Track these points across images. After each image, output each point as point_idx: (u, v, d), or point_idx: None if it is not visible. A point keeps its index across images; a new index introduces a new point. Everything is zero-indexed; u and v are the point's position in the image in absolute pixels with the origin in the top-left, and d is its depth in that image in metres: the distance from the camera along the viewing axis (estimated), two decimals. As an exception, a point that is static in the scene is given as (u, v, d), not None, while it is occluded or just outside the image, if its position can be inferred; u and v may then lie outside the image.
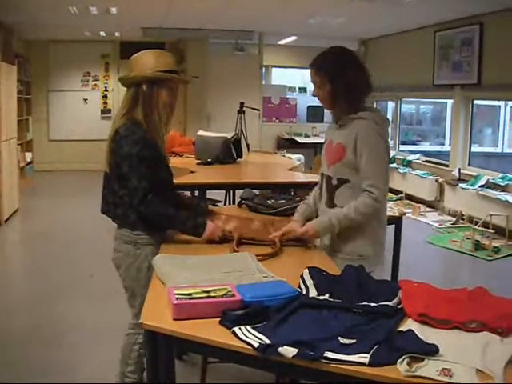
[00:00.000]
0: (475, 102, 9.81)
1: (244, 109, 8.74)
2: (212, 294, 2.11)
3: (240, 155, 6.58)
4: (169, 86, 3.07)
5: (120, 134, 2.96)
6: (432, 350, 1.75)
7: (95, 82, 13.45)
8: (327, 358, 1.75)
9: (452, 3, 8.16)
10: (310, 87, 14.03)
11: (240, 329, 1.93)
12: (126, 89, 3.13)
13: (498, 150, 13.49)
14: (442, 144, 13.38)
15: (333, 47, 3.08)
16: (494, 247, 7.28)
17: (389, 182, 3.01)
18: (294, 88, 14.37)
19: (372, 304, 2.11)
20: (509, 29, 8.34)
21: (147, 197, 2.91)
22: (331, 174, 3.06)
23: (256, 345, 1.83)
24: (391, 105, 12.43)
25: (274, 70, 14.52)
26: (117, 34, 12.13)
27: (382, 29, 11.22)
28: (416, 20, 9.89)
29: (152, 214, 2.97)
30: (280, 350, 1.78)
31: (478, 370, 1.67)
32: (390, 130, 3.22)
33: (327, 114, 13.07)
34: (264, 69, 13.39)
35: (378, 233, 3.10)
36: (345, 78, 2.93)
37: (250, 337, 1.88)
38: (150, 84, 3.00)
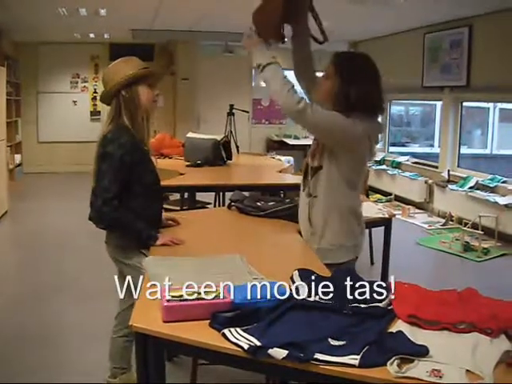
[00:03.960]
0: (464, 103, 9.85)
1: (233, 111, 8.75)
2: (202, 296, 2.11)
3: (229, 157, 6.58)
4: (146, 82, 3.10)
5: (107, 138, 2.99)
6: (422, 351, 1.76)
7: (84, 84, 13.41)
8: (317, 360, 1.76)
9: (441, 5, 8.18)
10: (300, 89, 14.05)
11: (230, 331, 1.93)
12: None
13: (487, 151, 13.55)
14: (432, 145, 13.42)
15: (362, 54, 3.10)
16: (484, 248, 7.30)
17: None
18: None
19: (362, 305, 2.11)
20: (498, 31, 8.38)
21: (113, 201, 2.94)
22: (312, 164, 3.10)
23: (246, 347, 1.83)
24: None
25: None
26: (106, 35, 12.10)
27: (372, 31, 11.24)
28: (405, 22, 9.91)
29: (111, 218, 3.03)
30: (270, 351, 1.78)
31: (467, 370, 1.68)
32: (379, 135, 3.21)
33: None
34: (254, 70, 13.37)
35: (349, 224, 3.10)
36: (355, 87, 2.91)
37: (240, 339, 1.88)
38: (127, 87, 3.02)
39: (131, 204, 3.05)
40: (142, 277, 3.00)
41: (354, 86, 2.90)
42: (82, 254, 6.48)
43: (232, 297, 2.11)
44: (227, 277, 2.38)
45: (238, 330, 1.94)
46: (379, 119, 3.19)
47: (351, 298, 2.16)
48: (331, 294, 2.18)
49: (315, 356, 1.76)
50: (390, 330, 1.94)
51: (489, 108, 13.35)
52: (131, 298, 3.23)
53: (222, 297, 2.12)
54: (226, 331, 1.93)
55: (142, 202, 3.08)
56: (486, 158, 12.93)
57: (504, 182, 8.42)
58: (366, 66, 3.04)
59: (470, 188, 8.68)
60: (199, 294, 2.12)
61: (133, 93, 3.05)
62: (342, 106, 2.94)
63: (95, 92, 13.30)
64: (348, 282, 2.31)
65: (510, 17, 8.12)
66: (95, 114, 13.24)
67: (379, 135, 3.17)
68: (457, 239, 7.60)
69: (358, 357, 1.75)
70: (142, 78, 3.09)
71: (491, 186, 8.47)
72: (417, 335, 1.89)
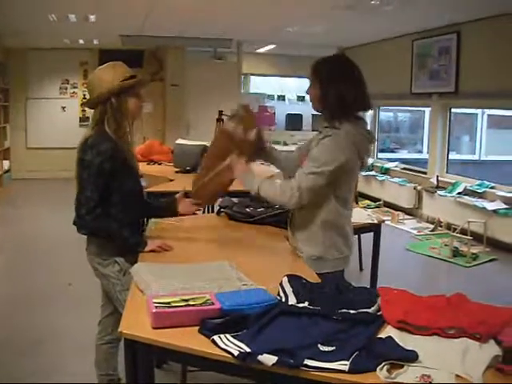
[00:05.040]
0: (453, 110, 9.90)
1: (223, 117, 8.75)
2: (191, 303, 2.10)
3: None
4: (134, 92, 3.11)
5: (87, 143, 2.99)
6: (411, 357, 1.76)
7: (74, 90, 13.39)
8: (307, 366, 1.76)
9: (430, 12, 8.22)
10: (289, 95, 14.10)
11: (219, 337, 1.93)
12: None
13: (476, 157, 13.63)
14: (420, 151, 13.49)
15: (338, 55, 3.12)
16: (472, 254, 7.33)
17: (318, 189, 2.94)
18: (273, 96, 14.40)
19: (351, 311, 2.11)
20: (486, 37, 8.44)
21: (96, 209, 2.94)
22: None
23: (236, 353, 1.83)
24: (369, 112, 12.48)
25: (252, 78, 14.53)
26: (95, 41, 12.09)
27: (361, 37, 11.28)
28: (394, 29, 9.96)
29: (95, 227, 3.03)
30: (260, 357, 1.78)
31: (457, 375, 1.69)
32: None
33: (306, 122, 13.13)
34: (243, 77, 13.39)
35: (331, 237, 3.07)
36: (334, 88, 2.95)
37: (230, 345, 1.88)
38: (117, 96, 3.02)
39: (111, 210, 3.05)
40: (117, 286, 3.05)
41: (332, 85, 2.96)
42: (70, 260, 6.43)
43: (221, 303, 2.11)
44: (216, 283, 2.38)
45: (228, 336, 1.93)
46: (368, 127, 3.19)
47: (340, 303, 2.16)
48: (320, 300, 2.19)
49: (305, 362, 1.76)
50: (379, 336, 1.94)
51: (477, 114, 13.43)
52: (111, 304, 3.25)
53: (210, 303, 2.11)
54: (215, 337, 1.93)
55: (121, 208, 3.07)
56: (474, 163, 13.01)
57: (492, 188, 8.47)
58: (342, 66, 3.09)
59: (459, 194, 8.72)
60: (188, 300, 2.12)
61: (122, 101, 3.04)
62: (332, 111, 2.98)
63: (84, 98, 13.24)
64: (337, 288, 2.32)
65: (497, 23, 8.18)
66: (84, 120, 13.18)
67: (370, 146, 3.16)
68: (446, 245, 7.62)
69: (348, 362, 1.75)
70: (132, 88, 3.10)
71: (479, 191, 8.51)
72: (406, 340, 1.89)
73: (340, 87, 2.95)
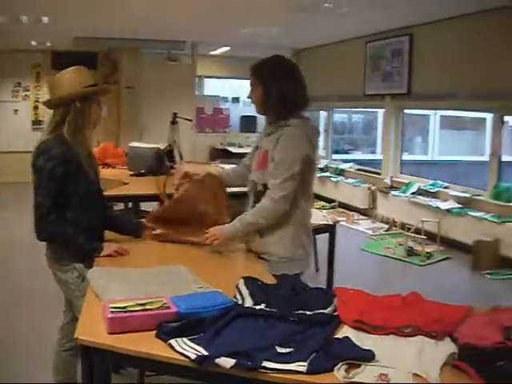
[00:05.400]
0: (405, 111, 10.03)
1: (177, 119, 8.70)
2: (147, 307, 2.08)
3: (173, 166, 6.54)
4: (97, 99, 3.09)
5: (40, 148, 2.95)
6: (368, 356, 1.77)
7: (26, 93, 13.16)
8: (265, 368, 1.75)
9: (383, 15, 8.32)
10: (243, 97, 14.10)
11: (176, 341, 1.91)
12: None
13: (429, 157, 13.82)
14: (374, 152, 13.62)
15: (275, 55, 3.15)
16: (427, 253, 7.43)
17: (293, 188, 2.98)
18: (227, 98, 14.39)
19: (308, 312, 2.12)
20: (437, 40, 8.58)
21: (49, 215, 2.92)
22: (257, 179, 3.13)
23: (193, 356, 1.82)
24: (323, 114, 12.58)
25: (206, 80, 14.50)
26: (48, 43, 11.92)
27: (315, 39, 11.34)
28: (348, 31, 10.04)
29: (49, 232, 2.99)
30: (217, 360, 1.77)
31: (414, 373, 1.70)
32: (321, 140, 3.26)
33: (260, 124, 13.14)
34: (197, 79, 13.35)
35: (300, 237, 3.12)
36: (277, 86, 2.99)
37: (187, 348, 1.87)
38: (82, 100, 2.99)
39: (68, 215, 3.01)
40: (76, 292, 3.02)
41: (274, 85, 2.99)
42: (31, 266, 6.33)
43: (177, 307, 2.10)
44: (172, 287, 2.36)
45: (185, 339, 1.92)
46: (312, 124, 3.24)
47: (297, 305, 2.16)
48: (277, 302, 2.19)
49: (263, 364, 1.76)
50: (336, 336, 1.95)
51: (429, 115, 13.62)
52: (72, 311, 3.21)
53: (167, 307, 2.10)
54: (172, 341, 1.91)
55: (79, 212, 3.04)
56: (427, 164, 13.17)
57: (445, 188, 8.61)
58: (282, 65, 3.13)
59: (413, 194, 8.83)
60: (144, 304, 2.10)
61: (86, 106, 3.02)
62: (277, 110, 3.02)
63: (37, 101, 13.06)
64: (294, 290, 2.33)
65: (448, 26, 8.33)
66: (37, 123, 12.98)
67: (318, 140, 3.20)
68: (400, 244, 7.71)
69: (306, 363, 1.75)
70: (97, 94, 3.09)
71: (433, 191, 8.64)
72: (363, 340, 1.90)
73: (282, 86, 2.99)
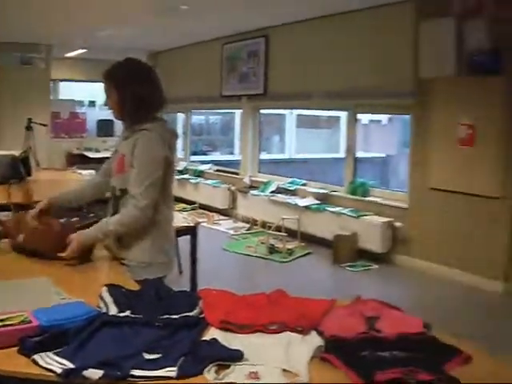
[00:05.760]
0: (262, 111, 10.19)
1: (32, 125, 8.41)
2: (7, 322, 1.96)
3: (29, 173, 6.30)
4: None
5: None
6: (237, 356, 1.76)
7: None
8: (134, 376, 1.70)
9: (239, 16, 8.42)
10: (100, 101, 13.81)
11: (40, 356, 1.81)
12: None
13: (286, 156, 14.11)
14: (232, 153, 13.75)
15: (128, 58, 3.08)
16: (288, 249, 7.59)
17: (157, 193, 2.92)
18: (83, 102, 14.04)
19: (174, 316, 2.08)
20: (291, 41, 8.82)
21: None
22: (115, 184, 3.06)
23: (59, 370, 1.73)
24: (181, 116, 12.55)
25: (62, 84, 14.04)
26: None
27: (172, 41, 11.31)
28: (205, 33, 10.08)
29: None
30: (85, 373, 1.70)
31: (283, 369, 1.71)
32: (179, 142, 3.23)
33: (118, 128, 12.93)
34: (52, 83, 12.90)
35: (160, 240, 3.08)
36: (131, 89, 2.92)
37: (52, 363, 1.77)
38: None
39: None
40: None
41: (128, 89, 2.93)
42: None
43: (39, 320, 1.99)
44: (33, 300, 2.25)
45: (49, 353, 1.82)
46: (169, 126, 3.20)
47: (162, 309, 2.13)
48: (141, 308, 2.14)
49: (131, 372, 1.70)
50: (204, 338, 1.93)
51: (286, 114, 13.93)
52: None
53: (28, 321, 1.99)
54: (36, 357, 1.81)
55: None
56: (284, 162, 13.44)
57: (303, 185, 8.84)
58: (136, 68, 3.07)
59: (272, 192, 9.01)
60: (3, 320, 1.98)
61: None
62: (133, 113, 2.96)
63: None
64: (157, 294, 2.28)
65: (301, 28, 8.57)
66: None
67: (176, 142, 3.18)
68: (262, 242, 7.82)
69: (175, 368, 1.71)
70: None
71: (291, 189, 8.85)
72: (231, 340, 1.89)
73: (137, 90, 2.93)
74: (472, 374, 1.74)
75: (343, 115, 9.87)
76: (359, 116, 8.46)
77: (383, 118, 13.46)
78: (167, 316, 2.08)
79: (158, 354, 1.82)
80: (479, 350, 1.90)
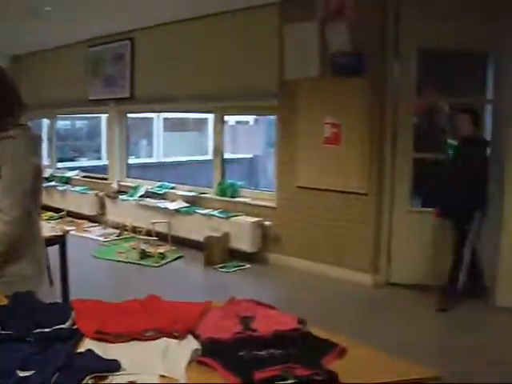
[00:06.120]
0: (129, 115, 10.08)
1: None
2: None
3: None
4: None
5: None
6: (114, 366, 1.74)
7: None
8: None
9: (103, 19, 8.28)
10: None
11: None
12: None
13: (154, 159, 14.04)
14: (100, 158, 13.50)
15: None
16: (160, 253, 7.55)
17: (28, 204, 2.76)
18: None
19: (46, 330, 2.02)
20: (157, 44, 8.78)
21: None
22: None
23: None
24: (46, 122, 12.16)
25: None
26: None
27: (36, 44, 10.87)
28: (70, 35, 9.81)
29: None
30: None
31: (162, 375, 1.71)
32: (45, 148, 3.12)
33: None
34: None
35: (36, 252, 2.98)
36: None
37: None
38: None
39: None
40: None
41: None
42: None
43: None
44: None
45: None
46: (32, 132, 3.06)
47: (34, 323, 2.06)
48: (12, 323, 2.06)
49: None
50: (78, 351, 1.89)
51: (153, 118, 13.85)
52: None
53: None
54: None
55: None
56: (153, 166, 13.36)
57: (172, 189, 8.83)
58: None
59: (141, 197, 8.94)
60: None
61: None
62: None
63: None
64: (29, 308, 2.21)
65: (167, 31, 8.56)
66: None
67: (41, 148, 3.06)
68: (133, 248, 7.75)
69: (50, 384, 1.68)
70: None
71: (160, 192, 8.83)
72: (107, 350, 1.87)
73: None
74: (348, 363, 1.82)
75: (210, 117, 9.93)
76: (226, 117, 8.55)
77: (250, 118, 13.68)
78: (40, 330, 2.02)
79: (32, 370, 1.76)
80: (352, 341, 1.98)
